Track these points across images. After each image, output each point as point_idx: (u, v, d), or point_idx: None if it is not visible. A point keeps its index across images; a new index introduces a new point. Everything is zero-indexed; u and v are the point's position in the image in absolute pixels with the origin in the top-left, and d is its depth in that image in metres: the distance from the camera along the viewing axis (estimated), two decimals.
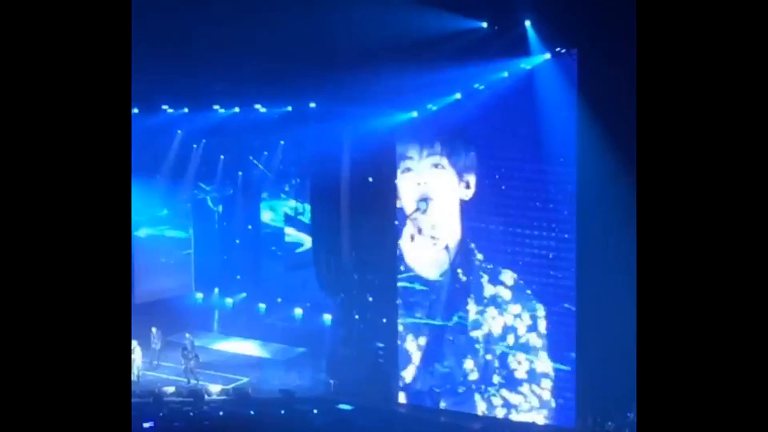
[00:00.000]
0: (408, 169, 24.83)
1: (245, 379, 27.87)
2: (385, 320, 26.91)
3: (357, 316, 28.20)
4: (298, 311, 32.74)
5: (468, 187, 24.13)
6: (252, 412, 25.04)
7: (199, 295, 34.02)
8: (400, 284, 25.51)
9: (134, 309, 30.77)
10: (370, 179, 26.99)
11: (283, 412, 25.11)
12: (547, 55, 22.66)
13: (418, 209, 24.59)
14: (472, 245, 24.25)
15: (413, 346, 25.48)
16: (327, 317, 31.17)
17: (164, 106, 28.06)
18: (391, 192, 25.41)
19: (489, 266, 24.11)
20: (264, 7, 22.82)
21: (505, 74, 23.17)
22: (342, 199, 27.90)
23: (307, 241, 32.52)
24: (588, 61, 22.00)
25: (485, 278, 24.14)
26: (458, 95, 23.97)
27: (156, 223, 33.44)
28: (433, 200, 24.62)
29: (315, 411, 25.13)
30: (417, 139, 24.73)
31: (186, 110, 28.60)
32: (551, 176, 23.15)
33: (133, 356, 27.14)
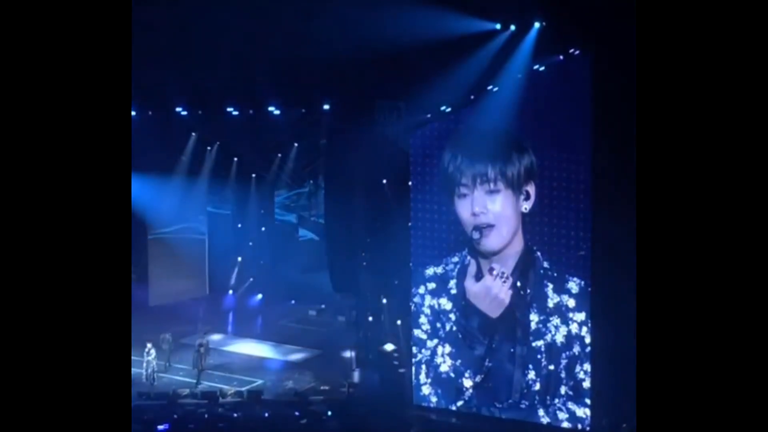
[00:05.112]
0: (464, 195, 23.67)
1: (259, 381, 27.88)
2: (399, 322, 26.91)
3: (371, 318, 28.21)
4: (312, 313, 32.76)
5: (528, 198, 23.17)
6: (266, 414, 25.07)
7: (213, 297, 34.08)
8: (452, 315, 24.46)
9: (149, 312, 31.27)
10: (384, 181, 26.99)
11: (297, 414, 25.12)
12: (560, 57, 22.65)
13: (471, 237, 24.12)
14: (538, 253, 23.36)
15: (469, 358, 24.50)
16: (341, 318, 31.20)
17: (178, 109, 28.12)
18: (405, 193, 25.35)
19: (554, 274, 23.21)
20: (279, 9, 22.87)
21: (519, 76, 23.13)
22: (356, 200, 27.92)
23: (321, 242, 32.55)
24: (602, 63, 21.95)
25: (550, 287, 23.26)
26: (472, 96, 23.89)
27: (170, 226, 33.52)
28: (495, 227, 23.48)
29: (329, 413, 25.14)
30: (433, 140, 24.50)
31: (200, 113, 28.65)
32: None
33: (148, 358, 27.25)
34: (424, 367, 25.05)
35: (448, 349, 24.69)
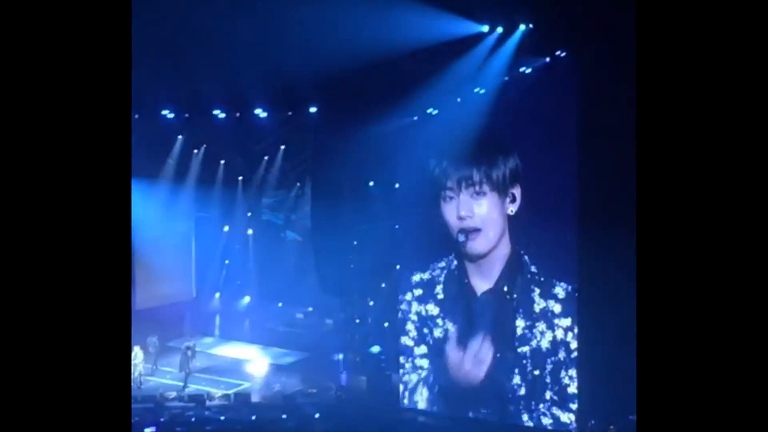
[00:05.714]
0: (450, 198, 23.67)
1: (247, 384, 27.86)
2: (386, 324, 26.91)
3: (358, 320, 28.22)
4: (300, 315, 32.72)
5: (514, 200, 23.06)
6: (253, 417, 25.04)
7: (200, 300, 34.02)
8: (439, 321, 24.55)
9: (135, 315, 30.90)
10: (371, 183, 27.01)
11: (284, 416, 25.10)
12: (547, 59, 22.67)
13: (458, 240, 23.94)
14: (525, 257, 23.25)
15: (456, 361, 24.59)
16: (329, 321, 31.17)
17: (165, 112, 28.09)
18: (391, 196, 25.36)
19: (541, 278, 23.07)
20: (265, 11, 22.84)
21: (505, 78, 23.15)
22: (343, 202, 27.92)
23: (307, 245, 32.52)
24: (588, 65, 21.98)
25: (536, 292, 23.12)
26: (458, 99, 23.88)
27: (156, 229, 33.41)
28: (482, 231, 23.41)
29: (317, 416, 25.12)
30: (419, 143, 24.51)
31: (186, 115, 28.61)
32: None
33: (135, 362, 27.19)
34: (411, 384, 25.12)
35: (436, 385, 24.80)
